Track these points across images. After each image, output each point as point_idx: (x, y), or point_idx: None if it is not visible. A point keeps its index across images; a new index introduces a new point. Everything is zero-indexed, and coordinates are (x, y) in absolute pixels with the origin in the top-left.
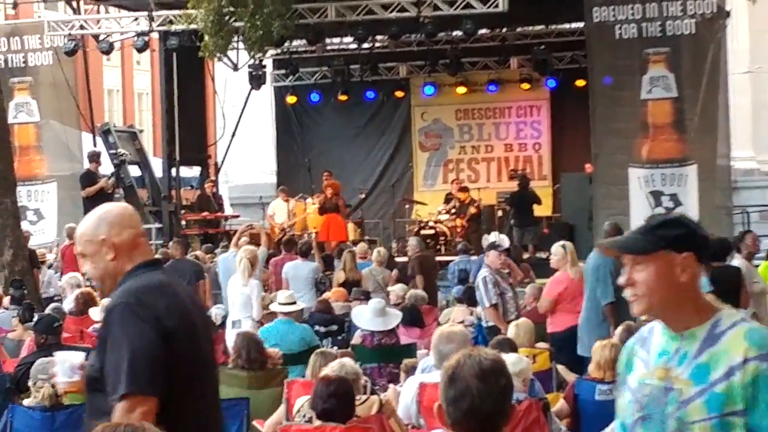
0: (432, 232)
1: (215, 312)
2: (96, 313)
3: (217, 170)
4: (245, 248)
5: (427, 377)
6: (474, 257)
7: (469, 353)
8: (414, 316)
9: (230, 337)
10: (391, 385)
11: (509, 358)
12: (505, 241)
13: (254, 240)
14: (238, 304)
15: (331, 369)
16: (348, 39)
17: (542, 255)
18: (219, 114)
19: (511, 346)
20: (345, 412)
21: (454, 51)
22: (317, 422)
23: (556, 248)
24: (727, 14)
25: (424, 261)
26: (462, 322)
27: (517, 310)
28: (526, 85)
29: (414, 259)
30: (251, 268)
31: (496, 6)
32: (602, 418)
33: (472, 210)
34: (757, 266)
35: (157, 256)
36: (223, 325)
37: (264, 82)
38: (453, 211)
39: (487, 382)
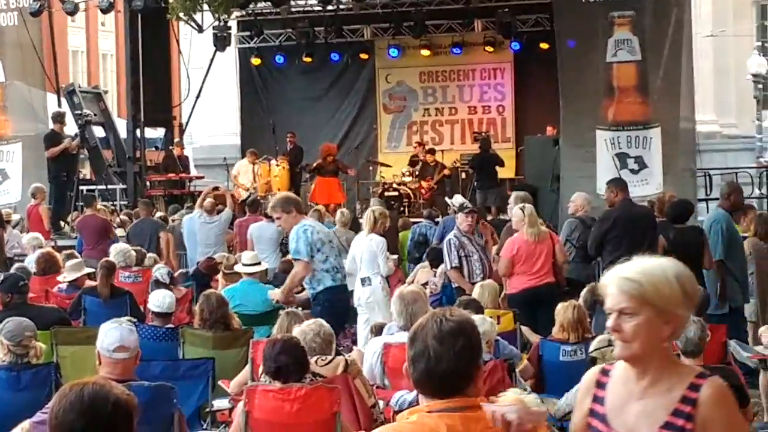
0: (396, 193)
1: (159, 273)
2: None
3: (182, 131)
4: (374, 207)
5: (391, 338)
6: (438, 220)
7: (434, 314)
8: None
9: (360, 293)
10: (355, 347)
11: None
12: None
13: (219, 201)
14: (366, 260)
15: (307, 327)
16: (312, 1)
17: (505, 217)
18: (184, 75)
19: (476, 307)
20: (299, 368)
21: (419, 13)
22: (277, 383)
23: (516, 210)
24: None
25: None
26: (426, 283)
27: (484, 272)
28: (490, 48)
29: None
30: (374, 224)
31: None
32: (567, 379)
33: (444, 172)
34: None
35: (121, 216)
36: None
37: (229, 44)
38: (417, 173)
39: (443, 342)
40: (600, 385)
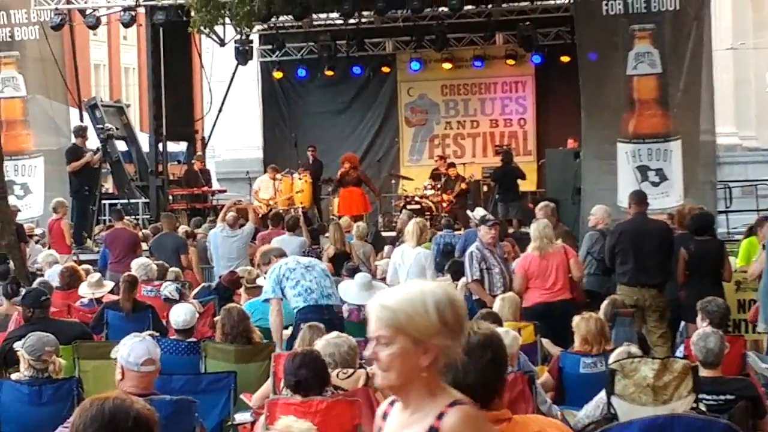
0: (418, 207)
1: (168, 290)
2: (83, 289)
3: (204, 145)
4: (417, 219)
5: None
6: (459, 232)
7: None
8: None
9: None
10: None
11: None
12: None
13: (241, 215)
14: (414, 273)
15: (330, 340)
16: (334, 14)
17: (526, 230)
18: (206, 89)
19: (495, 320)
20: (319, 381)
21: (440, 27)
22: (298, 397)
23: (532, 226)
24: None
25: None
26: None
27: (504, 285)
28: (511, 61)
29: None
30: (420, 235)
31: None
32: (587, 391)
33: (462, 185)
34: (739, 241)
35: (144, 231)
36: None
37: (251, 58)
38: (439, 186)
39: (472, 355)
40: (385, 416)
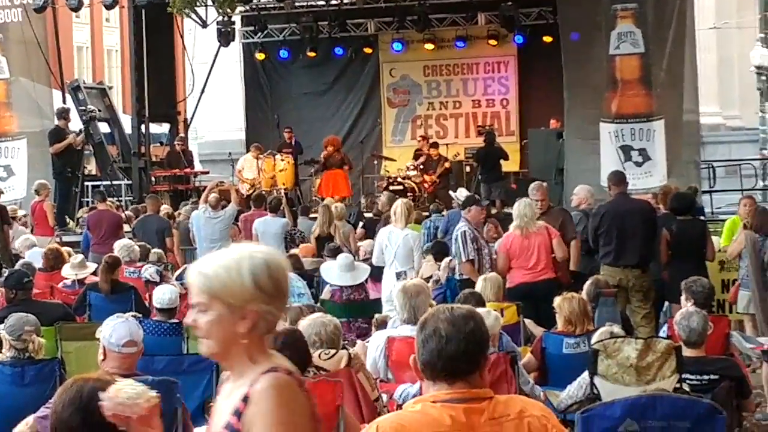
0: (400, 187)
1: (148, 272)
2: (66, 270)
3: (187, 127)
4: (402, 200)
5: (394, 331)
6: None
7: (445, 305)
8: (382, 271)
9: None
10: (359, 341)
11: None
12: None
13: (223, 196)
14: (401, 255)
15: (314, 320)
16: None
17: (510, 210)
18: (188, 71)
19: (478, 300)
20: (301, 362)
21: (422, 7)
22: None
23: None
24: None
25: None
26: (430, 277)
27: (492, 266)
28: (493, 42)
29: (386, 216)
30: (408, 215)
31: None
32: (570, 371)
33: (445, 166)
34: (723, 221)
35: (127, 212)
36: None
37: (233, 39)
38: (421, 167)
39: (455, 324)
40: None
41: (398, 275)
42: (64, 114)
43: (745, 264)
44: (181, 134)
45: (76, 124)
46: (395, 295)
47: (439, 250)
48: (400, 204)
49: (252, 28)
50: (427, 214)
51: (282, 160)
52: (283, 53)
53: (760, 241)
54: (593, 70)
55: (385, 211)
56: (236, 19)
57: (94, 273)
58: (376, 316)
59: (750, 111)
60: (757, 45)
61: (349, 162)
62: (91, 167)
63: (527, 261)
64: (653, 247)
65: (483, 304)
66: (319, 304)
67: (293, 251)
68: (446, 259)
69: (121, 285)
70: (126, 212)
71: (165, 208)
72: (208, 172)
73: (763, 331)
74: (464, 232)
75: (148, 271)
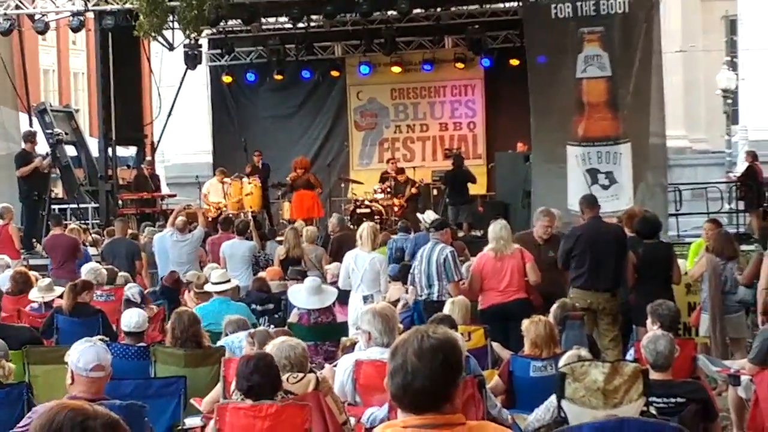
0: (368, 210)
1: (130, 292)
2: (33, 293)
3: (154, 150)
4: (369, 223)
5: (362, 354)
6: (411, 235)
7: (418, 331)
8: (349, 294)
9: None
10: (327, 364)
11: None
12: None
13: (191, 219)
14: (368, 279)
15: (282, 344)
16: (283, 18)
17: (477, 233)
18: (155, 94)
19: (450, 323)
20: (271, 387)
21: (389, 30)
22: (248, 401)
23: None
24: None
25: (344, 240)
26: (397, 300)
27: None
28: (460, 65)
29: (334, 239)
30: (374, 239)
31: None
32: (537, 394)
33: (413, 190)
34: (689, 244)
35: (93, 235)
36: (141, 303)
37: (200, 62)
38: (389, 190)
39: (421, 358)
40: None
41: (365, 299)
42: (30, 137)
43: (707, 287)
44: (148, 157)
45: (42, 147)
46: (363, 318)
47: (406, 273)
48: (366, 228)
49: (219, 51)
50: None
51: (249, 183)
52: (250, 76)
53: (722, 265)
54: (560, 94)
55: (336, 232)
56: (203, 42)
57: (61, 296)
58: (343, 339)
59: (716, 134)
60: (723, 68)
61: (319, 184)
62: (58, 190)
63: (499, 283)
64: (623, 271)
65: (455, 328)
66: (286, 327)
67: (260, 274)
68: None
69: (89, 308)
70: (93, 235)
71: (130, 232)
72: (175, 195)
73: (717, 354)
74: (453, 252)
75: (132, 290)
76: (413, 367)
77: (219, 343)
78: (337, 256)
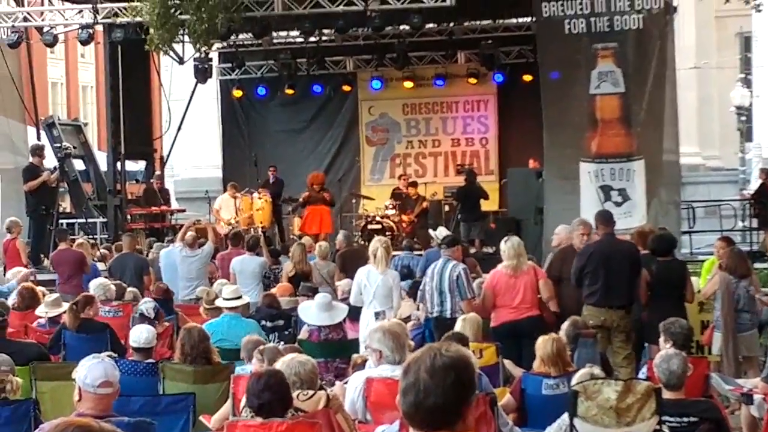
0: (379, 226)
1: (145, 307)
2: (40, 309)
3: (163, 164)
4: (380, 238)
5: (373, 372)
6: (420, 253)
7: (431, 348)
8: (360, 311)
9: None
10: (337, 381)
11: None
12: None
13: (201, 234)
14: (380, 295)
15: (291, 361)
16: (295, 32)
17: (489, 250)
18: (164, 107)
19: (460, 341)
20: (282, 404)
21: (401, 45)
22: (258, 419)
23: (506, 245)
24: (674, 10)
25: (348, 257)
26: (408, 317)
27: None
28: (473, 80)
29: (339, 255)
30: (388, 257)
31: (444, 0)
32: (549, 413)
33: (423, 205)
34: (702, 262)
35: (102, 250)
36: (157, 317)
37: (210, 76)
38: (400, 206)
39: (434, 376)
40: None
41: (377, 315)
42: (38, 151)
43: (719, 306)
44: (158, 172)
45: (50, 161)
46: (374, 337)
47: (417, 290)
48: (379, 248)
49: (229, 65)
50: (396, 253)
51: (259, 198)
52: (261, 90)
53: (734, 283)
54: (573, 109)
55: (342, 248)
56: (213, 55)
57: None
58: (354, 356)
59: (729, 151)
60: (737, 85)
61: (331, 199)
62: (66, 205)
63: (512, 299)
64: (637, 289)
65: (467, 345)
66: (296, 344)
67: (270, 290)
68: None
69: (95, 324)
70: (101, 250)
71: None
72: (184, 210)
73: (730, 372)
74: (466, 269)
75: (146, 305)
76: (425, 385)
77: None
78: (341, 272)
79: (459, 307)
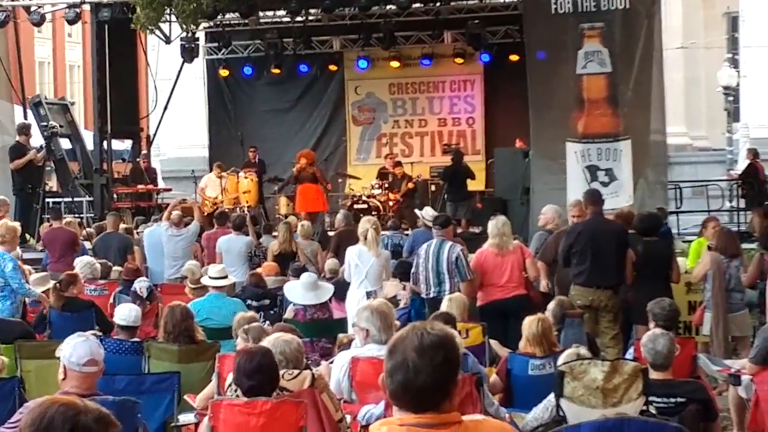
0: (365, 206)
1: (139, 285)
2: None
3: (149, 143)
4: (368, 218)
5: (359, 351)
6: (407, 232)
7: (415, 327)
8: (346, 291)
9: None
10: (323, 361)
11: None
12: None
13: (186, 213)
14: (373, 275)
15: (277, 340)
16: (281, 12)
17: (475, 229)
18: (151, 87)
19: (447, 320)
20: (270, 385)
21: (388, 25)
22: (243, 397)
23: (490, 223)
24: None
25: (345, 237)
26: (394, 296)
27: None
28: (459, 60)
29: (336, 234)
30: (378, 238)
31: None
32: (535, 393)
33: (409, 185)
34: (689, 242)
35: (88, 229)
36: (150, 297)
37: (196, 55)
38: (386, 186)
39: (423, 356)
40: None
41: (368, 294)
42: (25, 130)
43: (710, 286)
44: (144, 151)
45: (37, 139)
46: (361, 316)
47: (404, 270)
48: (369, 229)
49: (216, 44)
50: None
51: (245, 178)
52: (247, 70)
53: (725, 263)
54: (559, 90)
55: (341, 227)
56: (200, 35)
57: None
58: (340, 336)
59: (717, 131)
60: (725, 65)
61: (325, 180)
62: (52, 183)
63: (500, 278)
64: (625, 269)
65: (453, 325)
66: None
67: (256, 270)
68: (409, 283)
69: (80, 302)
70: (87, 229)
71: (123, 226)
72: (170, 189)
73: (719, 353)
74: (464, 250)
75: (140, 284)
76: (414, 364)
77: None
78: (337, 251)
79: (458, 288)
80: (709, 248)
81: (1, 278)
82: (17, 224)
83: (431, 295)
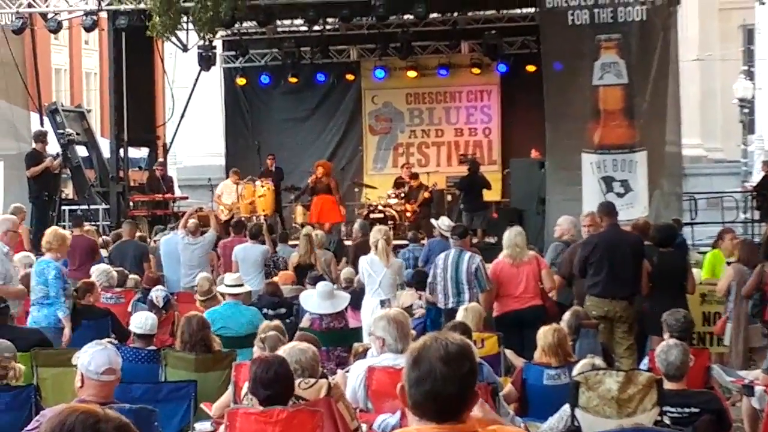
0: (381, 215)
1: (155, 294)
2: None
3: (166, 151)
4: (379, 228)
5: (375, 361)
6: (423, 241)
7: (436, 336)
8: (362, 300)
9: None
10: (339, 370)
11: None
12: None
13: (203, 222)
14: (386, 284)
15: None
16: (299, 21)
17: (491, 240)
18: (168, 95)
19: (464, 330)
20: (287, 395)
21: (405, 34)
22: (259, 406)
23: (505, 234)
24: (678, 1)
25: (362, 248)
26: (410, 306)
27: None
28: (476, 70)
29: (353, 245)
30: (389, 248)
31: None
32: (550, 403)
33: (425, 195)
34: (704, 253)
35: (104, 237)
36: (166, 307)
37: (214, 64)
38: (402, 195)
39: (450, 365)
40: None
41: (383, 303)
42: (41, 137)
43: (733, 297)
44: (160, 159)
45: (53, 147)
46: (378, 325)
47: (420, 279)
48: (380, 240)
49: (233, 52)
50: (406, 243)
51: (262, 186)
52: (265, 78)
53: (748, 274)
54: (576, 100)
55: (358, 238)
56: (217, 43)
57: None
58: (356, 345)
59: (732, 143)
60: (740, 77)
61: (338, 191)
62: (69, 191)
63: (515, 289)
64: (640, 280)
65: (470, 335)
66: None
67: (272, 279)
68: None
69: (97, 310)
70: (104, 237)
71: (138, 234)
72: (187, 198)
73: (738, 363)
74: (483, 261)
75: (157, 293)
76: (442, 374)
77: None
78: (355, 263)
79: (478, 299)
80: (728, 263)
81: (45, 286)
82: (67, 233)
83: (450, 306)
